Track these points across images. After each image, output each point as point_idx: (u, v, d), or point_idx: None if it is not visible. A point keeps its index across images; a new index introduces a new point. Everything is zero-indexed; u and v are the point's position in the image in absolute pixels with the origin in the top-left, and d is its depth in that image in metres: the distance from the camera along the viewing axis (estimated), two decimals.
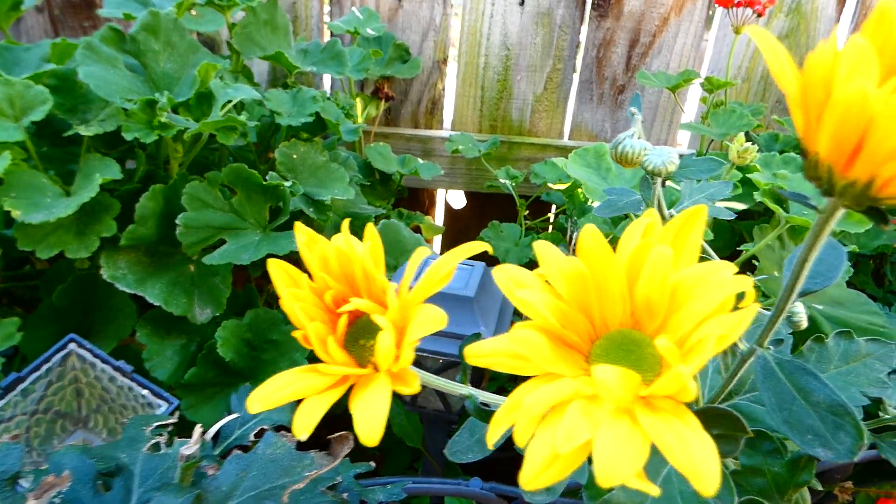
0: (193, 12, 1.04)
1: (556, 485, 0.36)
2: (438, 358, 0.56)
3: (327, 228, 0.91)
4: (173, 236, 0.72)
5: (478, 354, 0.24)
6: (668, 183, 0.72)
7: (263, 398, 0.22)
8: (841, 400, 0.27)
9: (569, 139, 1.46)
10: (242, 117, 0.67)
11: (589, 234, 0.23)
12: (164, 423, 0.43)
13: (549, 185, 1.23)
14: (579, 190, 1.08)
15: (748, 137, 1.07)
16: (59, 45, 0.75)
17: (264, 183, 0.76)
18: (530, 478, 0.20)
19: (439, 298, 0.60)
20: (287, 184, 0.77)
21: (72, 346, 0.67)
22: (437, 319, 0.23)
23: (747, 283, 0.20)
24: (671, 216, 0.41)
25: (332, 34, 1.31)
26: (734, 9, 1.12)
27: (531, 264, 0.73)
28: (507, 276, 0.24)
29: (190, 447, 0.35)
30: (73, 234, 0.70)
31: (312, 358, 0.37)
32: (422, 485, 0.52)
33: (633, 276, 0.23)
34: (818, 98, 0.17)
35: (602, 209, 0.38)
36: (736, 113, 1.08)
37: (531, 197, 1.31)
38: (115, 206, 0.70)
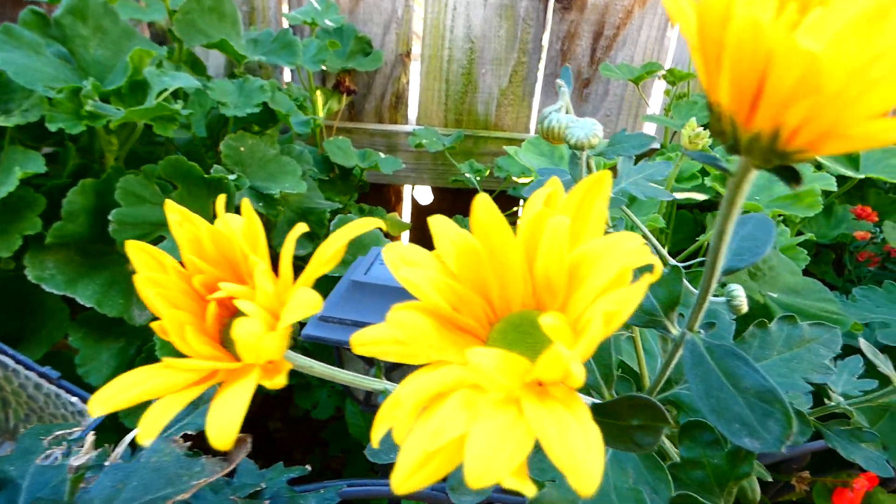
0: (142, 3, 1.00)
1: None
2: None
3: (279, 224, 0.88)
4: (108, 234, 0.69)
5: (364, 342, 0.21)
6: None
7: (107, 400, 0.19)
8: (770, 386, 0.25)
9: (535, 133, 1.44)
10: (177, 106, 0.63)
11: (481, 206, 0.20)
12: (67, 432, 0.39)
13: (514, 178, 1.21)
14: None
15: (705, 125, 1.06)
16: None
17: (206, 176, 0.72)
18: (401, 479, 0.17)
19: (378, 292, 0.58)
20: (231, 177, 0.73)
21: None
22: (311, 303, 0.20)
23: (645, 254, 0.18)
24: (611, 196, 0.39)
25: (290, 26, 1.28)
26: None
27: None
28: (395, 255, 0.22)
29: (80, 458, 0.32)
30: None
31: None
32: (361, 487, 0.49)
33: (532, 250, 0.20)
34: (715, 37, 0.15)
35: (531, 190, 0.36)
36: (698, 104, 1.08)
37: (496, 191, 1.28)
38: (40, 202, 0.66)
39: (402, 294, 0.20)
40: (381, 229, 1.07)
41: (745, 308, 0.35)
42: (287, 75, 1.35)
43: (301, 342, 0.89)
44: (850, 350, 0.78)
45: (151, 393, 0.20)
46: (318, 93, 1.25)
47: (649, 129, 1.52)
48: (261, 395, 1.02)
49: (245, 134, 0.81)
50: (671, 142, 1.25)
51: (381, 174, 1.27)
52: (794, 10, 0.13)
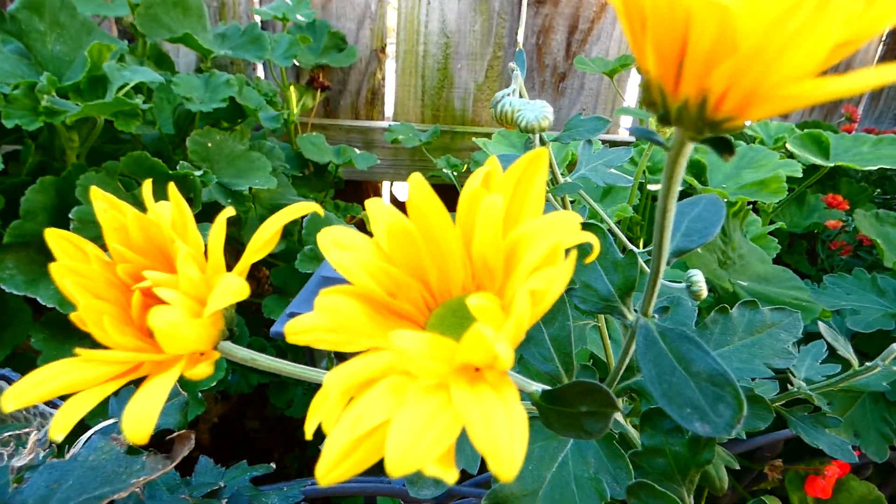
0: None
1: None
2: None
3: (250, 220, 0.86)
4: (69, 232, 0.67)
5: (297, 331, 0.20)
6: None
7: (21, 394, 0.18)
8: (722, 369, 0.25)
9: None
10: (137, 100, 0.62)
11: (416, 186, 0.20)
12: (17, 433, 0.38)
13: None
14: None
15: None
16: None
17: (171, 172, 0.71)
18: (325, 470, 0.16)
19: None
20: (198, 173, 0.72)
21: None
22: (236, 289, 0.19)
23: (577, 231, 0.17)
24: (567, 182, 0.38)
25: (261, 21, 1.26)
26: None
27: None
28: (329, 239, 0.21)
29: (22, 458, 0.31)
30: None
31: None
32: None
33: (469, 232, 0.20)
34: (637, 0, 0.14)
35: None
36: None
37: None
38: None
39: None
40: (355, 225, 1.06)
41: (704, 293, 0.34)
42: (261, 72, 1.33)
43: (276, 341, 0.88)
44: (817, 336, 0.78)
45: (71, 386, 0.19)
46: (292, 89, 1.23)
47: (626, 121, 1.52)
48: (237, 394, 1.00)
49: (212, 129, 0.80)
50: None
51: (358, 170, 1.26)
52: None
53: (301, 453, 0.94)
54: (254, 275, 1.03)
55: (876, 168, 0.88)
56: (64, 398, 0.21)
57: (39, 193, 0.65)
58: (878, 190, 1.25)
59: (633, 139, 1.27)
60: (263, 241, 0.22)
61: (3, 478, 0.32)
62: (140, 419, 0.17)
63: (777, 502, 0.59)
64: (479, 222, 0.19)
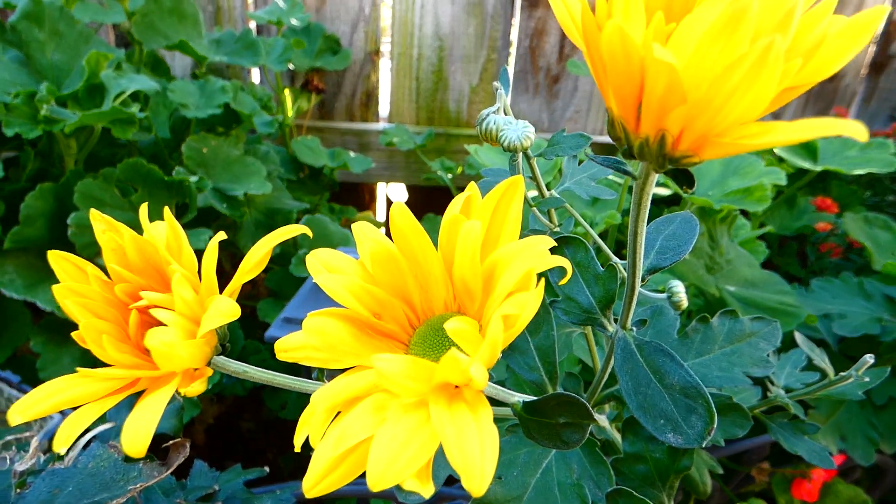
0: (104, 5, 0.99)
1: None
2: None
3: (245, 225, 0.87)
4: (67, 238, 0.68)
5: (286, 348, 0.21)
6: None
7: (26, 409, 0.19)
8: (695, 382, 0.26)
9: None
10: (133, 109, 0.63)
11: (398, 213, 0.21)
12: (18, 437, 0.39)
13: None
14: None
15: None
16: None
17: (167, 178, 0.72)
18: (311, 483, 0.17)
19: None
20: (193, 178, 0.73)
21: None
22: (228, 312, 0.20)
23: (547, 257, 0.18)
24: (552, 196, 0.39)
25: (256, 25, 1.27)
26: None
27: None
28: (317, 261, 0.22)
29: (24, 462, 0.32)
30: None
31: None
32: None
33: (449, 256, 0.21)
34: (597, 45, 0.15)
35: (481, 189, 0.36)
36: None
37: None
38: None
39: None
40: (349, 229, 1.07)
41: (685, 304, 0.36)
42: (256, 76, 1.34)
43: (270, 345, 0.89)
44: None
45: (73, 401, 0.20)
46: (287, 92, 1.24)
47: None
48: (232, 396, 1.01)
49: (207, 135, 0.80)
50: None
51: (353, 173, 1.27)
52: (662, 20, 0.14)
53: (295, 455, 0.96)
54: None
55: (864, 171, 0.90)
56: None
57: (38, 200, 0.66)
58: (869, 192, 1.27)
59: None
60: (254, 262, 0.23)
61: (6, 481, 0.33)
62: (137, 434, 0.18)
63: None
64: (459, 247, 0.20)
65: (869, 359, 0.35)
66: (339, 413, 0.20)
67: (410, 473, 0.16)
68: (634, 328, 0.30)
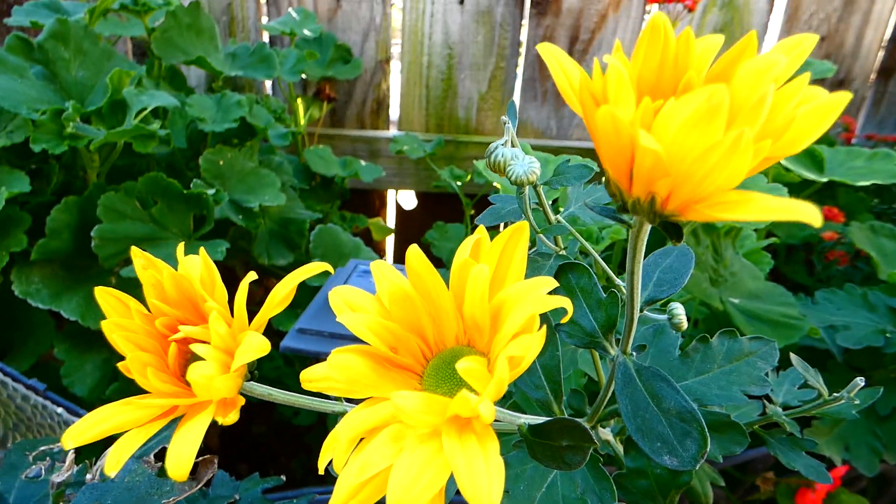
0: (122, 18, 1.02)
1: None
2: None
3: (260, 235, 0.90)
4: (90, 249, 0.70)
5: (311, 379, 0.24)
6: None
7: (78, 434, 0.22)
8: (690, 407, 0.28)
9: (517, 136, 1.46)
10: (154, 125, 0.65)
11: (413, 255, 0.23)
12: (50, 447, 0.41)
13: (495, 184, 1.23)
14: None
15: None
16: None
17: (185, 192, 0.74)
18: None
19: None
20: (210, 191, 0.75)
21: None
22: (259, 347, 0.22)
23: (549, 300, 0.20)
24: (557, 221, 0.41)
25: (269, 36, 1.29)
26: (666, 4, 1.14)
27: None
28: (340, 299, 0.24)
29: (61, 474, 0.34)
30: None
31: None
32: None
33: (460, 295, 0.23)
34: (594, 121, 0.17)
35: (484, 217, 0.38)
36: None
37: (478, 195, 1.31)
38: (26, 220, 0.67)
39: None
40: (361, 238, 1.09)
41: (684, 325, 0.37)
42: (269, 84, 1.36)
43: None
44: (806, 354, 0.80)
45: (118, 427, 0.22)
46: (300, 101, 1.27)
47: None
48: (245, 401, 1.03)
49: (224, 148, 0.83)
50: None
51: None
52: (650, 104, 0.16)
53: (306, 459, 0.98)
54: (263, 284, 1.07)
55: (868, 183, 0.91)
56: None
57: (63, 213, 0.69)
58: (877, 200, 1.27)
59: None
60: (280, 298, 0.25)
61: (43, 491, 0.35)
62: (181, 459, 0.20)
63: None
64: (469, 288, 0.22)
65: (860, 381, 0.36)
66: (361, 439, 0.22)
67: (426, 500, 0.18)
68: (634, 353, 0.31)
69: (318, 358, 0.71)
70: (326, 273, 0.86)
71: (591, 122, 0.17)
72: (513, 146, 0.35)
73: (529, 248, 0.44)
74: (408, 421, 0.19)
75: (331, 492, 0.48)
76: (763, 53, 0.17)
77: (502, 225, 0.96)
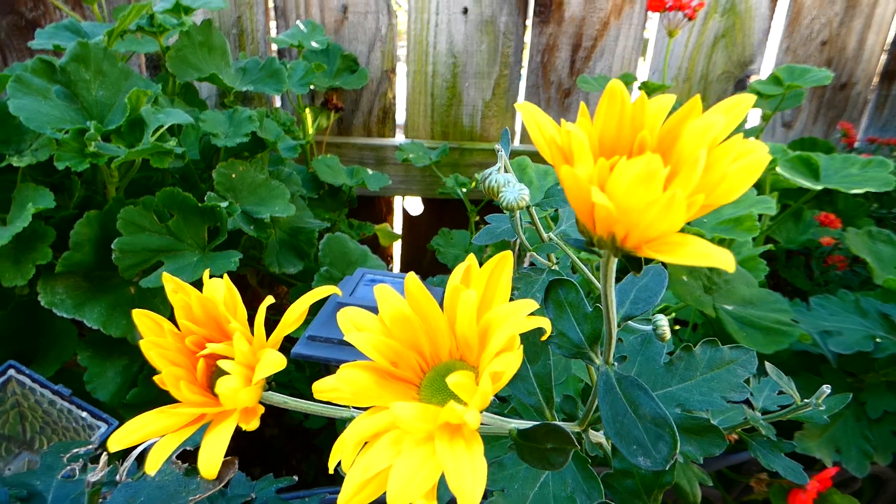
0: (138, 35, 1.05)
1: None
2: None
3: (270, 244, 0.93)
4: (111, 261, 0.74)
5: (322, 390, 0.27)
6: None
7: (122, 438, 0.25)
8: (663, 413, 0.31)
9: (520, 143, 1.49)
10: (171, 143, 0.69)
11: (411, 282, 0.26)
12: (81, 450, 0.45)
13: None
14: None
15: None
16: None
17: (200, 205, 0.78)
18: (344, 500, 0.22)
19: None
20: (223, 204, 0.79)
21: (11, 371, 0.69)
22: (276, 363, 0.26)
23: (528, 322, 0.23)
24: (550, 239, 0.44)
25: (278, 49, 1.33)
26: (667, 12, 1.16)
27: None
28: (347, 319, 0.27)
29: (96, 474, 0.38)
30: (10, 263, 0.71)
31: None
32: None
33: (452, 316, 0.26)
34: (560, 173, 0.20)
35: (480, 237, 0.41)
36: None
37: (483, 202, 1.34)
38: (50, 234, 0.71)
39: None
40: (368, 244, 1.13)
41: (668, 336, 0.40)
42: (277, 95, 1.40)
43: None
44: (801, 359, 0.83)
45: (156, 432, 0.25)
46: (308, 111, 1.30)
47: None
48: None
49: (236, 161, 0.86)
50: None
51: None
52: (605, 163, 0.19)
53: (317, 460, 1.01)
54: (274, 291, 1.10)
55: (862, 191, 0.93)
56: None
57: (86, 226, 0.73)
58: (876, 204, 1.29)
59: None
60: (295, 317, 0.28)
61: (79, 489, 0.39)
62: (211, 460, 0.23)
63: None
64: (460, 311, 0.25)
65: (826, 389, 0.39)
66: (365, 443, 0.25)
67: (420, 495, 0.21)
68: (616, 363, 0.34)
69: (328, 363, 0.75)
70: (334, 280, 0.89)
71: (559, 175, 0.21)
72: (505, 171, 0.38)
73: (525, 265, 0.47)
74: (405, 427, 0.22)
75: (339, 491, 0.52)
76: (704, 114, 0.20)
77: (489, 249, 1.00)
